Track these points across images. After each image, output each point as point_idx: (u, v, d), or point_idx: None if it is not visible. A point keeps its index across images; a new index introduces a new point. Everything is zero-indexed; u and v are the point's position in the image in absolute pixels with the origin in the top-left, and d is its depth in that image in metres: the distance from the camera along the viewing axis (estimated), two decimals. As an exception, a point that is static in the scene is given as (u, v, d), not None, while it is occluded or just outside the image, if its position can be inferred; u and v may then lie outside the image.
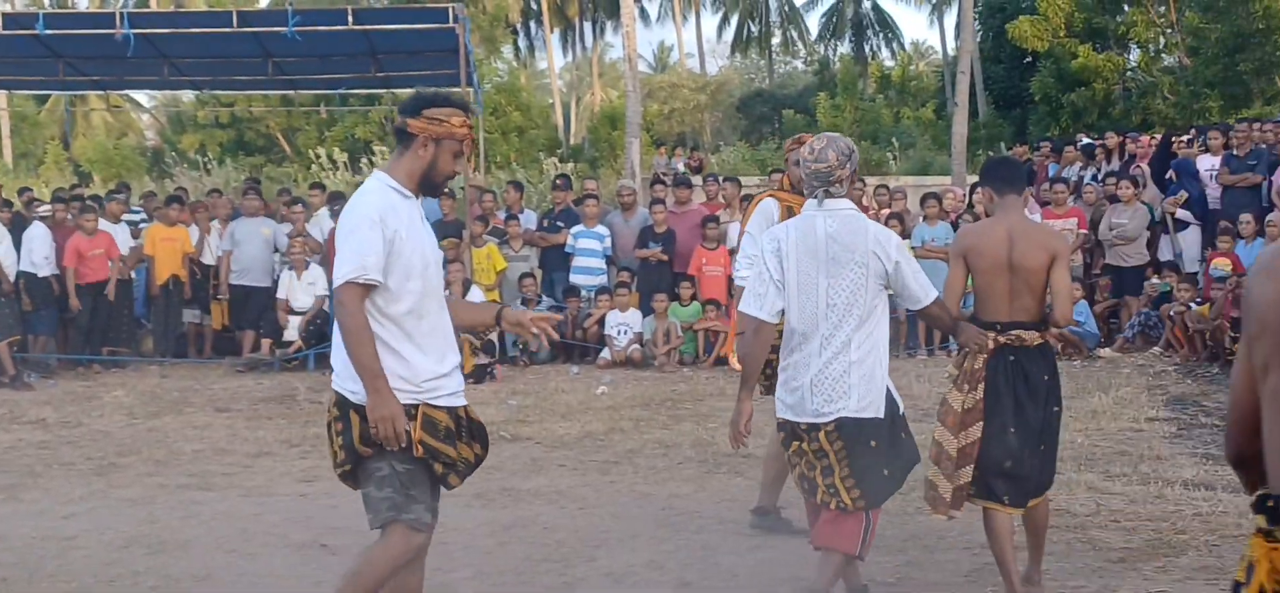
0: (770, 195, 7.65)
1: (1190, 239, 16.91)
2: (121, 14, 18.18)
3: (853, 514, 5.92)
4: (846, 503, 5.89)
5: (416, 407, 4.86)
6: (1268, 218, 15.38)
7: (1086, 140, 20.56)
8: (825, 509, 5.94)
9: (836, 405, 5.84)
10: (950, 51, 52.27)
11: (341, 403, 4.92)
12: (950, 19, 54.85)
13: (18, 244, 15.91)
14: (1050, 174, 18.96)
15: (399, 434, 4.77)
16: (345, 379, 4.90)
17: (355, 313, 4.79)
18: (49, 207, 17.42)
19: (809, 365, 5.88)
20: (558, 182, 19.40)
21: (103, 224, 16.73)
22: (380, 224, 4.84)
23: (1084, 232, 16.83)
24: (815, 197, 5.98)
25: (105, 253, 16.36)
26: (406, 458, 4.86)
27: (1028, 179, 18.39)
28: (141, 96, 52.31)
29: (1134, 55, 37.18)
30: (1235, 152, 17.07)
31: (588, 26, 63.71)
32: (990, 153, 36.87)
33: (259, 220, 17.52)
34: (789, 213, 7.11)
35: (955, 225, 17.00)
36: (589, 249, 17.40)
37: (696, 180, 21.93)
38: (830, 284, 5.83)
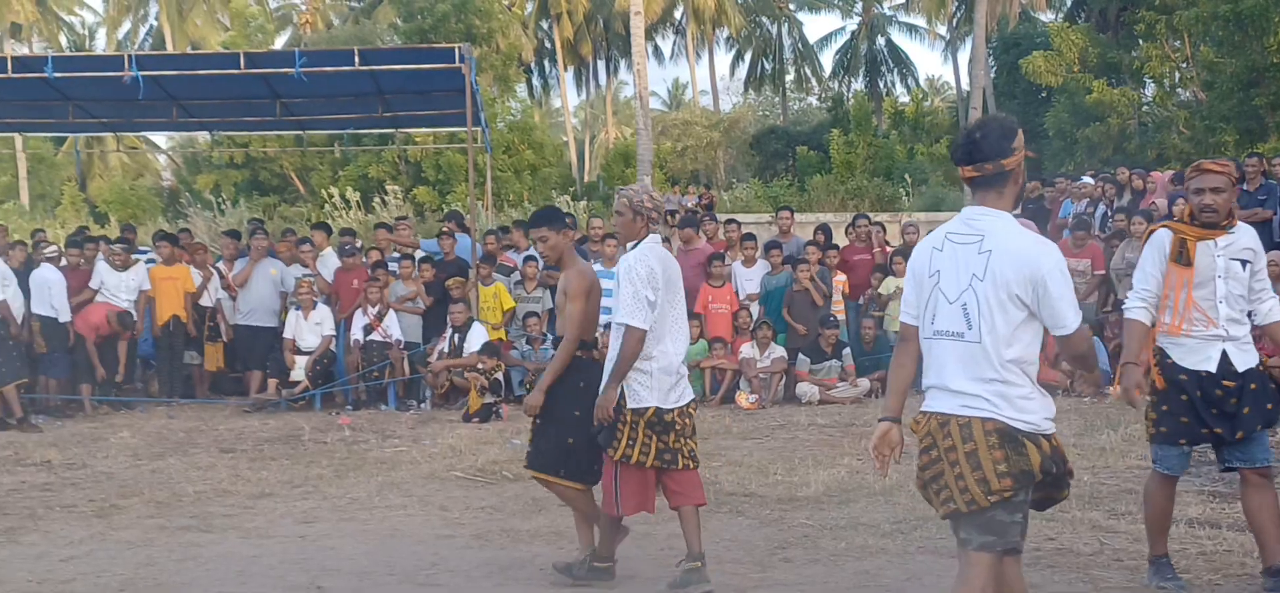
0: (1165, 226, 7.44)
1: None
2: (129, 57, 18.25)
3: None
4: None
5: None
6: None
7: (1089, 178, 20.41)
8: None
9: None
10: (964, 87, 52.27)
11: (1007, 432, 4.93)
12: (964, 55, 54.91)
13: (24, 286, 15.92)
14: (1063, 213, 18.87)
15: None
16: (1017, 410, 4.96)
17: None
18: (55, 249, 17.43)
19: None
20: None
21: (103, 275, 16.77)
22: None
23: (1100, 273, 16.71)
24: None
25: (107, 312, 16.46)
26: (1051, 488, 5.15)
27: (1040, 217, 18.41)
28: (158, 138, 52.61)
29: (1149, 90, 37.06)
30: (1246, 186, 16.95)
31: (601, 64, 63.86)
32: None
33: (267, 261, 17.52)
34: (1181, 245, 7.07)
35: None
36: (609, 289, 17.30)
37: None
38: None
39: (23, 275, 16.11)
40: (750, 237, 17.98)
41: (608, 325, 7.47)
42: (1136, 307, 7.11)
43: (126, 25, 61.60)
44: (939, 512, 5.15)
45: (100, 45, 62.45)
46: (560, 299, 7.90)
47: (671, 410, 7.36)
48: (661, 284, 7.34)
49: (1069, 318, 4.97)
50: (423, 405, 16.35)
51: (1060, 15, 47.45)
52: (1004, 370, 4.94)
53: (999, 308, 4.94)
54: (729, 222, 19.59)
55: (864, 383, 16.23)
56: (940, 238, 5.22)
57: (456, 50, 17.46)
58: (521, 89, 53.25)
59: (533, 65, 59.58)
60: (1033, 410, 4.96)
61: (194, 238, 19.14)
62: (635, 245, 7.50)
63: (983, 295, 4.97)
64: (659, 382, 7.33)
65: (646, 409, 7.28)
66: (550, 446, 7.70)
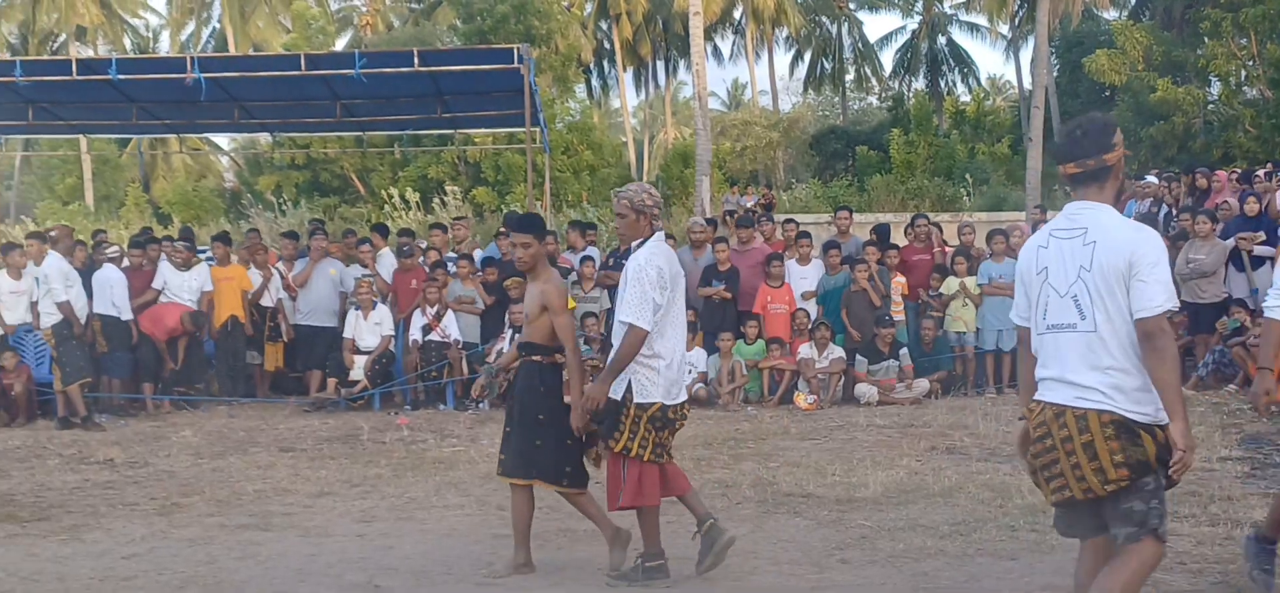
0: None
1: (1266, 275, 16.55)
2: (192, 59, 18.45)
3: None
4: None
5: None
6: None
7: (1153, 177, 20.18)
8: None
9: None
10: (1026, 86, 51.86)
11: (1123, 423, 5.07)
12: (1026, 54, 54.46)
13: (86, 286, 16.10)
14: (1126, 214, 18.68)
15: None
16: (1133, 402, 5.09)
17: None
18: (117, 249, 17.60)
19: None
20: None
21: (166, 275, 16.93)
22: None
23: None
24: None
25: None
26: (1165, 473, 5.15)
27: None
28: (221, 139, 53.09)
29: (1214, 88, 36.66)
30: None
31: (660, 65, 63.86)
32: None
33: (326, 261, 17.62)
34: None
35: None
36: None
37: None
38: None
39: (85, 276, 16.29)
40: (805, 235, 17.89)
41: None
42: (1277, 306, 7.02)
43: (190, 27, 62.23)
44: (1050, 498, 5.33)
45: (164, 47, 63.14)
46: (533, 310, 7.85)
47: (673, 407, 7.54)
48: (668, 283, 7.46)
49: (1156, 298, 5.06)
50: (481, 405, 16.36)
51: (1124, 13, 47.08)
52: (1122, 358, 5.09)
53: (1108, 295, 5.10)
54: (787, 221, 19.52)
55: (923, 384, 16.12)
56: (1045, 236, 5.39)
57: (515, 51, 17.54)
58: (580, 89, 53.37)
59: (592, 66, 59.71)
60: (1148, 402, 5.08)
61: (261, 238, 19.21)
62: (641, 243, 7.55)
63: (1092, 286, 5.13)
64: (665, 378, 7.45)
65: (652, 405, 7.41)
66: (518, 450, 7.86)
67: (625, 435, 7.39)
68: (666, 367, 7.45)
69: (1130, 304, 5.07)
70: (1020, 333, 5.56)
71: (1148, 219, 17.66)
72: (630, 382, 7.39)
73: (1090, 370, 5.09)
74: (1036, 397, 5.30)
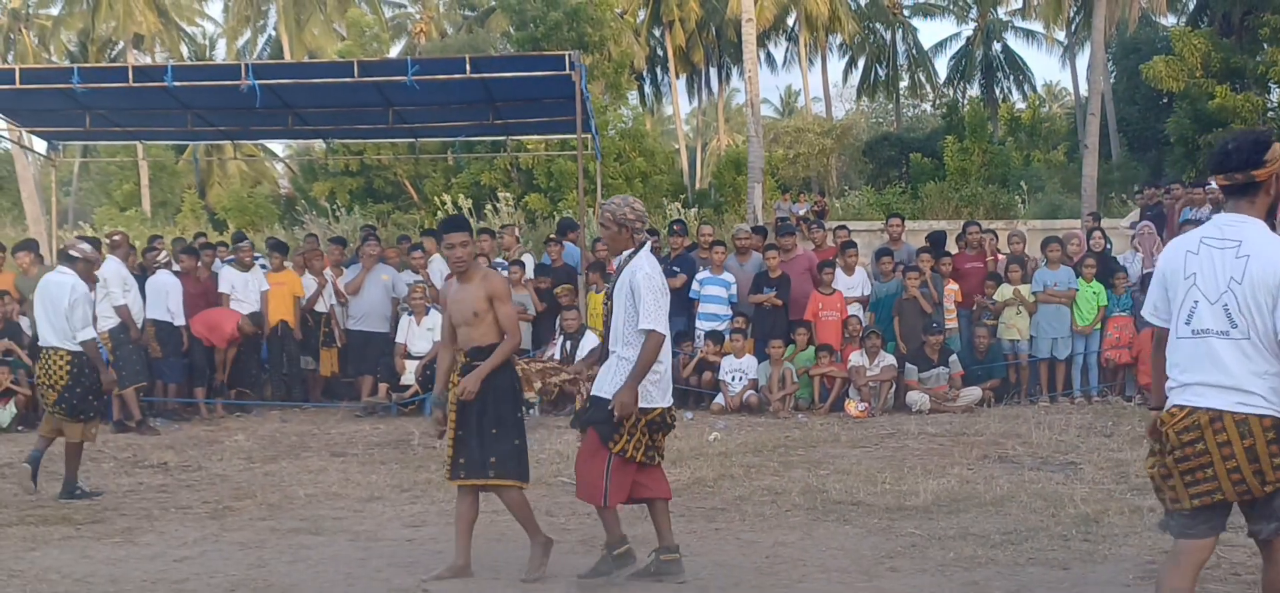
0: None
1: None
2: (246, 65, 18.58)
3: None
4: None
5: None
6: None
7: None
8: None
9: None
10: (1083, 93, 51.47)
11: None
12: (1082, 60, 54.08)
13: (143, 291, 16.26)
14: (1184, 217, 18.48)
15: None
16: None
17: None
18: (167, 255, 17.75)
19: None
20: (674, 227, 19.33)
21: (232, 279, 17.05)
22: None
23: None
24: None
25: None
26: None
27: (1159, 223, 18.05)
28: (275, 146, 53.52)
29: (1274, 95, 36.27)
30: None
31: (713, 72, 63.82)
32: (1123, 196, 36.24)
33: (379, 267, 17.70)
34: None
35: (1077, 270, 16.68)
36: (715, 295, 17.29)
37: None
38: None
39: (140, 281, 16.46)
40: (851, 245, 17.79)
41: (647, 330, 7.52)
42: None
43: (245, 34, 62.74)
44: (1190, 502, 5.33)
45: (220, 55, 63.71)
46: (475, 310, 7.84)
47: (669, 410, 7.79)
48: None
49: None
50: (531, 411, 16.41)
51: (1182, 19, 46.59)
52: (1276, 365, 5.17)
53: (1257, 309, 5.17)
54: (839, 227, 19.45)
55: (975, 392, 16.00)
56: (1195, 242, 5.45)
57: (567, 58, 17.55)
58: (633, 97, 53.38)
59: (645, 73, 59.72)
60: None
61: (318, 244, 19.32)
62: (632, 255, 7.72)
63: (1242, 298, 5.21)
64: (665, 382, 7.72)
65: (655, 409, 7.62)
66: (503, 452, 7.88)
67: (624, 438, 7.52)
68: (666, 372, 7.70)
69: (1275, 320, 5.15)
70: (1156, 333, 5.66)
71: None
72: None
73: (1251, 376, 5.17)
74: (1180, 401, 5.34)
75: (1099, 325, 16.51)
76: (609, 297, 8.02)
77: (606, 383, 7.68)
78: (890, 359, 16.25)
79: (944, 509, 9.68)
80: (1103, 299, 16.47)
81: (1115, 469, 11.17)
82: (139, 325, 15.85)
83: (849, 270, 17.36)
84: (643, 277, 7.54)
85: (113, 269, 15.83)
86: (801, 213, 31.12)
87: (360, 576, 8.07)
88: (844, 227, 19.75)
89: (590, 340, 16.13)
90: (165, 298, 16.33)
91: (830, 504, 10.00)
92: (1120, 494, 10.03)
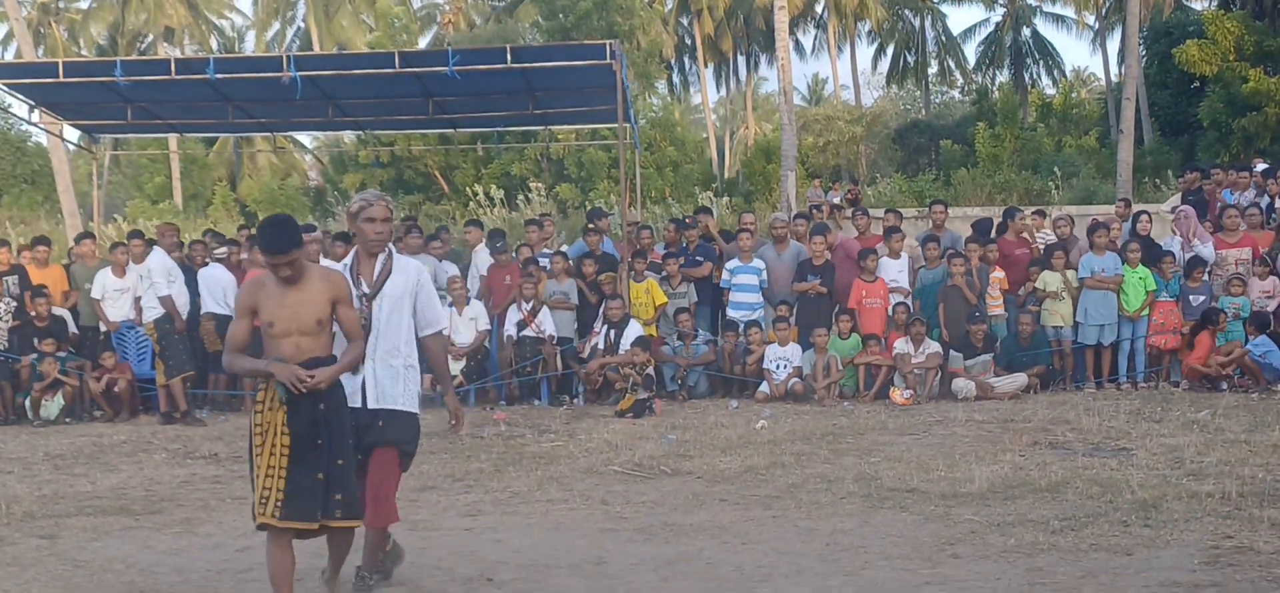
0: None
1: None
2: (288, 57, 18.64)
3: None
4: None
5: None
6: None
7: (1263, 165, 19.84)
8: None
9: None
10: (1114, 78, 51.24)
11: None
12: (1113, 45, 53.87)
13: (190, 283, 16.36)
14: (1227, 199, 18.40)
15: None
16: None
17: None
18: (225, 250, 17.82)
19: None
20: (694, 216, 19.29)
21: None
22: None
23: (1262, 254, 16.37)
24: None
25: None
26: None
27: (1200, 208, 17.96)
28: (304, 138, 53.68)
29: (1308, 78, 36.03)
30: None
31: (742, 60, 63.77)
32: (1156, 181, 36.07)
33: (419, 257, 17.69)
34: None
35: (1120, 254, 16.61)
36: (746, 284, 17.29)
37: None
38: None
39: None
40: (896, 230, 17.72)
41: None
42: None
43: (275, 27, 62.95)
44: None
45: (248, 46, 63.96)
46: (317, 317, 6.55)
47: None
48: None
49: None
50: (576, 401, 16.45)
51: (1214, 2, 46.29)
52: None
53: None
54: (889, 211, 19.41)
55: (1021, 378, 15.94)
56: None
57: (607, 47, 17.54)
58: (661, 85, 53.37)
59: (673, 62, 59.69)
60: None
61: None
62: (390, 255, 7.29)
63: None
64: None
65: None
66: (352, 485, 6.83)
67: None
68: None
69: None
70: None
71: (1252, 210, 17.41)
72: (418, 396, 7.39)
73: None
74: None
75: (1146, 311, 16.41)
76: (369, 300, 7.15)
77: (399, 394, 7.19)
78: (935, 347, 16.22)
79: (1000, 496, 9.65)
80: (1150, 283, 16.38)
81: (1169, 455, 11.11)
82: (184, 317, 15.93)
83: (894, 255, 17.30)
84: (425, 276, 7.43)
85: (159, 261, 15.95)
86: (836, 201, 31.04)
87: (423, 564, 8.09)
88: (895, 210, 19.65)
89: (635, 329, 16.15)
90: (222, 292, 16.39)
91: (885, 492, 9.97)
92: (1177, 480, 9.97)
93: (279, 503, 6.48)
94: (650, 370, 15.63)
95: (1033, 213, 19.20)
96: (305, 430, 6.46)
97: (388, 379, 7.16)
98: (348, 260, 7.34)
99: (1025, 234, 17.77)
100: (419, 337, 7.40)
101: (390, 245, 7.32)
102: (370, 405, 7.07)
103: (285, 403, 6.45)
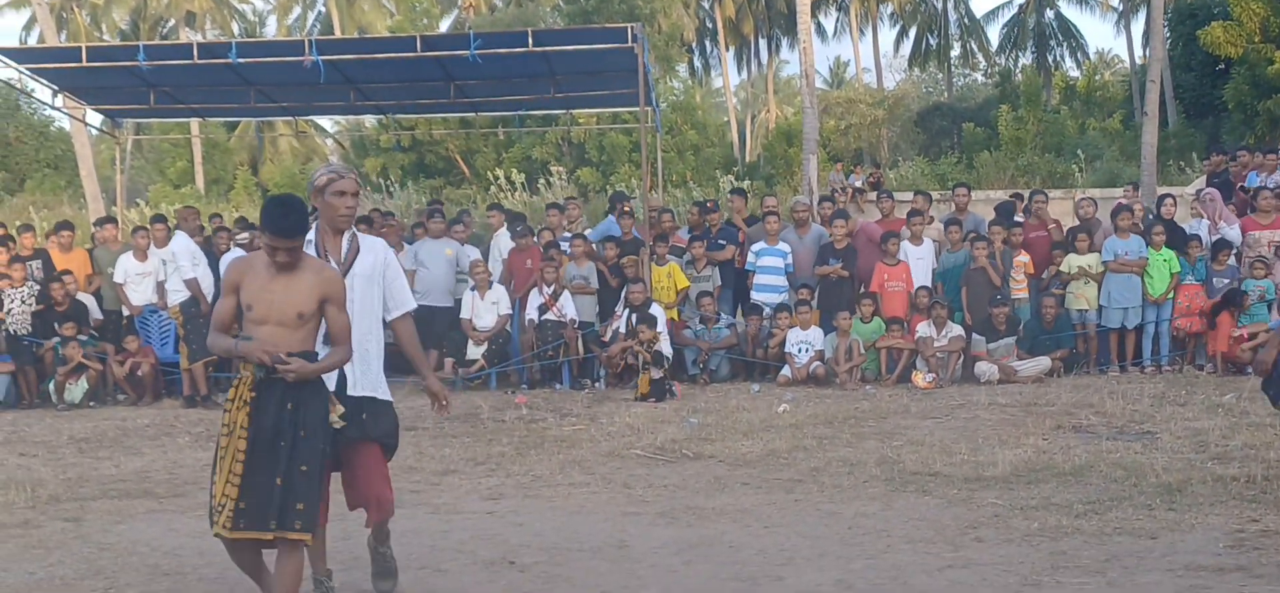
0: None
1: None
2: (310, 41, 18.64)
3: None
4: None
5: None
6: None
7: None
8: None
9: None
10: (1137, 60, 50.96)
11: None
12: (1137, 27, 53.53)
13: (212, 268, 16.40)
14: (1251, 182, 18.27)
15: None
16: None
17: None
18: (246, 235, 17.86)
19: None
20: (713, 201, 19.30)
21: None
22: None
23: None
24: None
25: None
26: None
27: (1226, 190, 17.85)
28: (326, 122, 53.73)
29: (1334, 60, 35.78)
30: None
31: (763, 43, 63.62)
32: (1180, 164, 35.89)
33: (443, 241, 17.72)
34: None
35: (1145, 237, 16.53)
36: (771, 266, 17.27)
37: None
38: None
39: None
40: (918, 214, 17.65)
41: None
42: None
43: (295, 11, 63.08)
44: None
45: (270, 31, 64.05)
46: (303, 309, 6.09)
47: None
48: None
49: None
50: (597, 385, 16.45)
51: (1239, -16, 45.98)
52: None
53: None
54: (918, 193, 19.36)
55: (1044, 361, 15.87)
56: None
57: (629, 30, 17.51)
58: (682, 69, 53.28)
59: (694, 45, 59.60)
60: None
61: (384, 219, 19.41)
62: (358, 234, 7.02)
63: None
64: None
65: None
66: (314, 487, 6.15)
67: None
68: None
69: None
70: None
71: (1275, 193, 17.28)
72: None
73: None
74: None
75: (1171, 294, 16.32)
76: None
77: (376, 381, 6.91)
78: (958, 330, 16.17)
79: (1023, 480, 9.63)
80: (1175, 266, 16.29)
81: (1194, 438, 11.07)
82: (209, 300, 15.98)
83: (916, 240, 17.23)
84: (394, 257, 7.27)
85: (182, 244, 16.03)
86: (858, 185, 30.96)
87: (445, 547, 8.10)
88: (924, 193, 19.58)
89: (658, 313, 16.13)
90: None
91: (907, 475, 9.96)
92: (1201, 463, 9.94)
93: (231, 514, 5.94)
94: (659, 347, 15.59)
95: (1033, 195, 19.02)
96: (267, 430, 5.97)
97: (365, 364, 6.80)
98: (310, 236, 6.75)
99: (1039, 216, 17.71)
100: (388, 320, 7.15)
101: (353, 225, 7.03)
102: (351, 393, 6.69)
103: (253, 392, 6.00)
